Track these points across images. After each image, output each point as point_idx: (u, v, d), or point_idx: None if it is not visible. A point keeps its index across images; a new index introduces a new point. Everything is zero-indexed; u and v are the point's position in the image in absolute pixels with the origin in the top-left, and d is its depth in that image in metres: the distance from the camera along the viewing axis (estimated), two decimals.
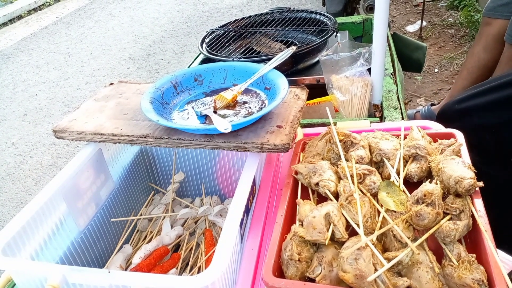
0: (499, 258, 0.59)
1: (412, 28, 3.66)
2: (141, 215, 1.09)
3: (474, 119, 1.15)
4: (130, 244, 1.02)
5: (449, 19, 3.67)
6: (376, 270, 0.59)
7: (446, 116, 1.21)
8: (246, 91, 1.01)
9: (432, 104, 2.36)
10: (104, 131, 0.92)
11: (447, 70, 3.00)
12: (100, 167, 0.95)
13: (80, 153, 0.92)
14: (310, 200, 0.81)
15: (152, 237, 1.02)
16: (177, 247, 1.03)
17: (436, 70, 3.03)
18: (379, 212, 0.70)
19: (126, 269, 0.93)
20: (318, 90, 1.36)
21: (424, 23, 3.59)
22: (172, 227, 1.05)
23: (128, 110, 1.00)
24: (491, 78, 1.20)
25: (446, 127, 1.22)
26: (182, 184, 1.18)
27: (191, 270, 0.96)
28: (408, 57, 1.88)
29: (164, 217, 1.06)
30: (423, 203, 0.66)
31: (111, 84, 1.15)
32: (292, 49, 1.06)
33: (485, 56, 2.03)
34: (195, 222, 1.10)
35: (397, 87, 1.23)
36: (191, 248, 1.01)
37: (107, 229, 0.98)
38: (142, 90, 1.07)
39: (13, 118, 3.27)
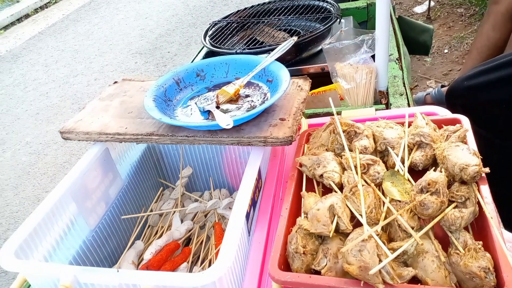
0: (505, 245, 0.59)
1: (420, 9, 3.59)
2: (151, 210, 1.11)
3: (483, 95, 1.15)
4: (142, 240, 1.03)
5: None
6: (380, 261, 0.59)
7: (455, 93, 1.21)
8: (249, 84, 1.01)
9: (443, 86, 2.32)
10: (109, 131, 0.93)
11: (457, 50, 2.94)
12: (107, 166, 0.97)
13: (87, 153, 0.94)
14: (315, 192, 0.82)
15: (163, 232, 1.04)
16: (188, 241, 1.05)
17: (445, 51, 2.97)
18: (384, 203, 0.70)
19: (138, 265, 0.94)
20: (323, 79, 1.35)
21: (432, 3, 3.51)
22: (182, 221, 1.06)
23: (132, 108, 1.00)
24: (500, 55, 1.19)
25: (456, 104, 1.21)
26: (191, 179, 1.19)
27: (202, 263, 0.98)
28: (414, 40, 1.85)
29: (174, 212, 1.07)
30: (427, 192, 0.65)
31: (115, 82, 1.16)
32: (294, 39, 1.05)
33: (494, 35, 1.99)
34: (205, 216, 1.11)
35: (402, 73, 1.21)
36: (202, 241, 1.03)
37: (118, 226, 0.99)
38: (146, 88, 1.07)
39: (25, 117, 3.32)
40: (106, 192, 0.96)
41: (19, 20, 5.68)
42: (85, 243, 0.88)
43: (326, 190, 0.81)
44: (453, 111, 1.23)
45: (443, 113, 0.92)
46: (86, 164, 0.90)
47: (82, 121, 0.99)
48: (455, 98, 1.23)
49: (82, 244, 0.87)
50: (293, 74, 1.45)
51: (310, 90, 1.28)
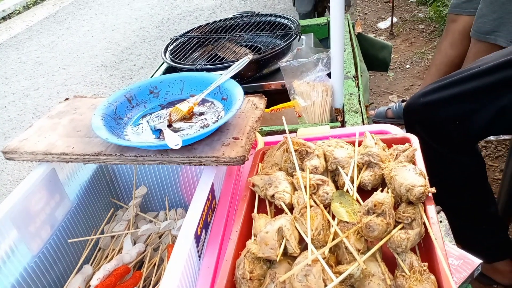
0: (448, 267, 0.59)
1: (384, 24, 3.69)
2: (102, 232, 1.06)
3: (438, 112, 1.17)
4: (91, 264, 0.99)
5: (419, 14, 3.72)
6: (325, 285, 0.58)
7: (411, 110, 1.23)
8: (204, 102, 0.99)
9: (403, 101, 2.38)
10: (55, 151, 0.89)
11: (418, 65, 3.03)
12: (53, 187, 0.92)
13: (31, 174, 0.89)
14: (267, 213, 0.80)
15: (113, 255, 1.00)
16: (141, 264, 1.01)
17: (407, 66, 3.06)
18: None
19: None
20: (284, 95, 1.35)
21: (395, 20, 3.63)
22: (135, 243, 1.02)
23: (81, 126, 0.97)
24: (454, 72, 1.22)
25: (412, 120, 1.24)
26: (146, 198, 1.15)
27: (154, 287, 0.94)
28: (374, 56, 1.89)
29: (126, 234, 1.04)
30: (373, 213, 0.65)
31: (66, 99, 1.12)
32: (249, 57, 1.05)
33: (452, 52, 2.06)
34: (160, 237, 1.07)
35: (359, 90, 1.23)
36: (155, 264, 0.99)
37: (65, 250, 0.95)
38: (98, 105, 1.04)
39: None
40: (51, 214, 0.91)
41: None
42: (26, 270, 0.83)
43: (278, 211, 0.80)
44: (410, 127, 1.26)
45: (395, 131, 0.93)
46: (28, 186, 0.86)
47: (27, 140, 0.94)
48: (412, 114, 1.25)
49: (23, 271, 0.82)
50: (254, 91, 1.46)
51: (272, 106, 1.28)
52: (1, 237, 0.78)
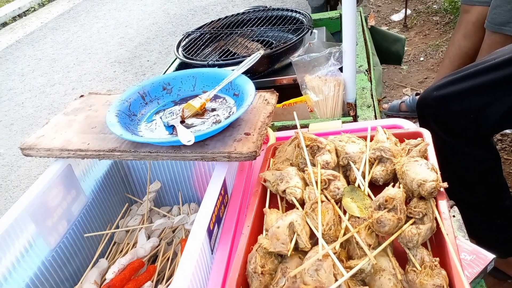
0: (459, 262, 0.59)
1: (397, 17, 3.64)
2: (117, 227, 1.08)
3: (452, 105, 1.16)
4: (107, 258, 1.01)
5: (434, 6, 3.65)
6: (336, 280, 0.58)
7: (425, 103, 1.22)
8: (215, 98, 1.00)
9: (417, 94, 2.35)
10: (71, 147, 0.91)
11: (433, 58, 2.99)
12: (70, 182, 0.94)
13: (48, 170, 0.91)
14: (279, 208, 0.81)
15: (128, 249, 1.02)
16: (155, 258, 1.03)
17: (421, 59, 3.02)
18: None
19: (101, 285, 0.92)
20: (296, 90, 1.35)
21: (409, 12, 3.57)
22: (149, 238, 1.04)
23: (96, 123, 0.99)
24: (469, 65, 1.20)
25: (426, 114, 1.23)
26: (159, 193, 1.17)
27: (168, 281, 0.96)
28: (387, 50, 1.87)
29: (140, 229, 1.05)
30: (384, 208, 0.65)
31: (82, 96, 1.14)
32: (260, 53, 1.05)
33: (466, 44, 2.02)
34: (173, 232, 1.09)
35: (371, 84, 1.22)
36: (169, 258, 1.01)
37: (81, 244, 0.97)
38: (112, 102, 1.05)
39: None
40: (68, 209, 0.93)
41: None
42: (44, 264, 0.85)
43: (290, 206, 0.81)
44: (424, 121, 1.25)
45: (407, 125, 0.93)
46: (46, 182, 0.88)
47: (44, 137, 0.96)
48: (425, 108, 1.24)
49: (41, 265, 0.85)
50: (266, 86, 1.46)
51: (283, 101, 1.29)
52: (20, 232, 0.81)
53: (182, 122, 0.93)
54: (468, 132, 1.18)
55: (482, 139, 1.20)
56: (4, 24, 5.69)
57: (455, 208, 1.15)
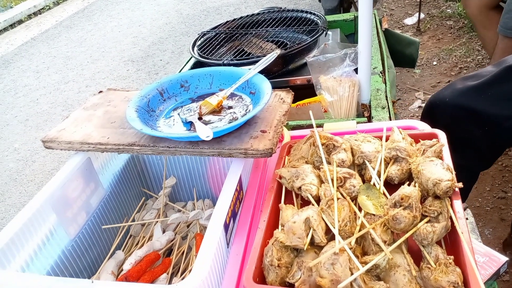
0: (474, 260, 0.60)
1: (411, 20, 3.64)
2: (133, 220, 1.10)
3: (462, 111, 1.16)
4: (123, 250, 1.03)
5: (448, 10, 3.64)
6: (352, 274, 0.59)
7: (438, 109, 1.21)
8: (232, 96, 1.02)
9: None
10: (91, 140, 0.93)
11: (446, 62, 2.98)
12: (89, 175, 0.97)
13: (68, 162, 0.94)
14: (293, 204, 0.82)
15: (144, 242, 1.04)
16: (170, 252, 1.05)
17: (434, 63, 3.01)
18: (358, 216, 0.70)
19: (118, 275, 0.94)
20: (309, 90, 1.36)
21: (422, 15, 3.57)
22: (164, 232, 1.06)
23: (115, 118, 1.01)
24: (482, 70, 1.20)
25: (436, 118, 1.22)
26: (175, 188, 1.19)
27: (182, 274, 0.97)
28: (401, 53, 1.88)
29: (156, 222, 1.07)
30: (400, 206, 0.66)
31: (100, 92, 1.16)
32: (277, 52, 1.07)
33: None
34: (188, 226, 1.11)
35: (386, 86, 1.23)
36: (183, 252, 1.03)
37: (99, 236, 0.99)
38: (130, 98, 1.07)
39: (15, 123, 3.30)
40: (87, 201, 0.96)
41: (12, 26, 5.68)
42: (64, 253, 0.88)
43: (305, 203, 0.82)
44: (433, 125, 1.25)
45: (422, 127, 0.94)
46: (67, 174, 0.90)
47: (65, 130, 0.99)
48: (438, 114, 1.24)
49: (61, 254, 0.87)
50: (280, 86, 1.47)
51: (296, 101, 1.30)
52: (42, 221, 0.83)
53: (200, 118, 0.95)
54: (481, 145, 1.16)
55: (495, 153, 1.19)
56: (20, 22, 5.78)
57: (468, 211, 1.15)
